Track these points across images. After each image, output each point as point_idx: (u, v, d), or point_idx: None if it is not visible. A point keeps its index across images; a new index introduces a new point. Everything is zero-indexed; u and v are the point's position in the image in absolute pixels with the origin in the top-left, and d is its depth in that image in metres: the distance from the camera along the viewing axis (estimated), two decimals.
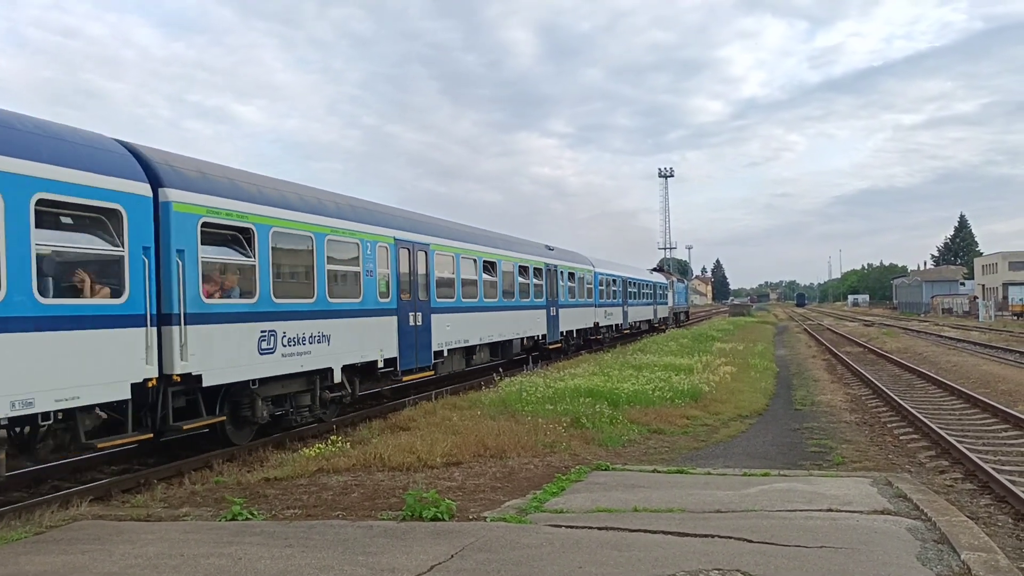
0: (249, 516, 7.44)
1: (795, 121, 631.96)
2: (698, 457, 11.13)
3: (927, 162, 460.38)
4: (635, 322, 41.13)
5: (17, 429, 8.57)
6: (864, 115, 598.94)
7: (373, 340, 14.48)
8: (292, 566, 5.78)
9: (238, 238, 11.14)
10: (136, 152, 9.90)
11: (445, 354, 17.72)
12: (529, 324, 23.77)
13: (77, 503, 8.37)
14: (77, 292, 8.73)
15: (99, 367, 8.72)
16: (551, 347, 26.10)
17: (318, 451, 10.68)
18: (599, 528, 6.65)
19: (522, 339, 23.35)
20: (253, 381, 11.30)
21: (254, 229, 11.25)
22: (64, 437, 8.89)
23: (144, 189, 9.52)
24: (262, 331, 11.35)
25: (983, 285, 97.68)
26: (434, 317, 17.00)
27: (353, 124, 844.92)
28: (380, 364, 14.70)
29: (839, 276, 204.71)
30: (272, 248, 11.65)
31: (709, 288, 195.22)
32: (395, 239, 15.55)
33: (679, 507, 7.44)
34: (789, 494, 7.94)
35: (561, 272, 27.48)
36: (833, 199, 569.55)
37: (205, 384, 10.27)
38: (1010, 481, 9.10)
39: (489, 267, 20.85)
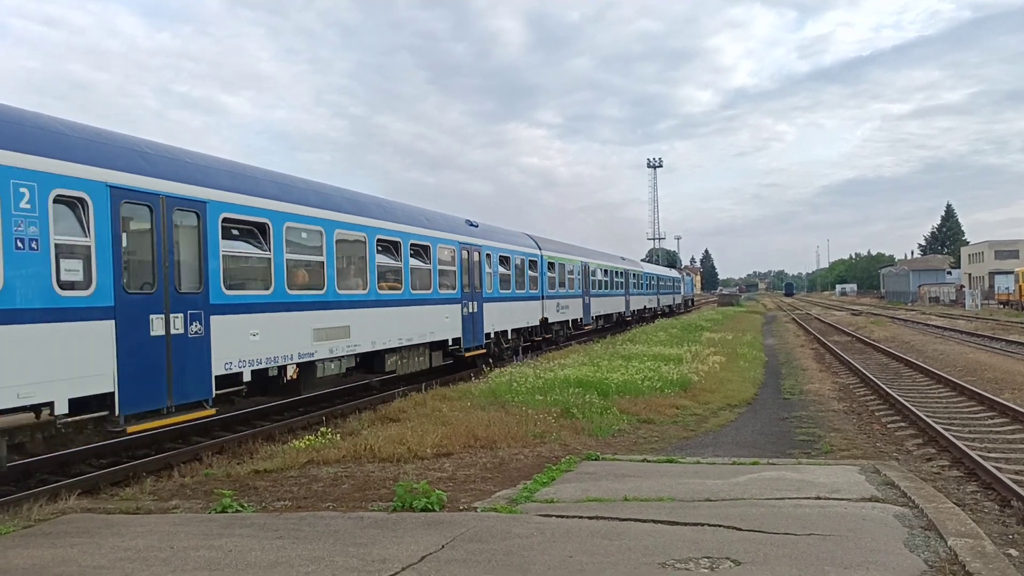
0: (239, 508, 7.41)
1: (784, 111, 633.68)
2: (688, 446, 11.18)
3: (915, 152, 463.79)
4: (663, 306, 57.47)
5: (511, 335, 23.46)
6: (852, 105, 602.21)
7: (577, 310, 31.01)
8: (283, 558, 5.77)
9: (555, 266, 27.68)
10: (532, 237, 26.67)
11: (594, 318, 34.13)
12: (618, 305, 40.34)
13: (65, 496, 8.32)
14: (525, 287, 24.30)
15: (533, 314, 25.01)
16: (627, 319, 42.06)
17: (308, 443, 10.65)
18: (590, 518, 6.67)
19: (615, 314, 39.64)
20: (555, 323, 27.84)
21: (556, 264, 27.85)
22: (525, 337, 24.81)
23: (538, 252, 25.94)
24: (557, 303, 27.78)
25: (970, 274, 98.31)
26: (592, 299, 33.50)
27: (340, 114, 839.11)
28: (579, 321, 31.51)
29: (827, 266, 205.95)
30: (552, 266, 27.51)
31: (698, 278, 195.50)
32: (581, 261, 32.21)
33: (669, 496, 7.47)
34: (778, 482, 7.98)
35: (630, 273, 43.40)
36: (821, 189, 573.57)
37: (549, 322, 26.80)
38: (996, 468, 9.19)
39: (605, 272, 36.82)
